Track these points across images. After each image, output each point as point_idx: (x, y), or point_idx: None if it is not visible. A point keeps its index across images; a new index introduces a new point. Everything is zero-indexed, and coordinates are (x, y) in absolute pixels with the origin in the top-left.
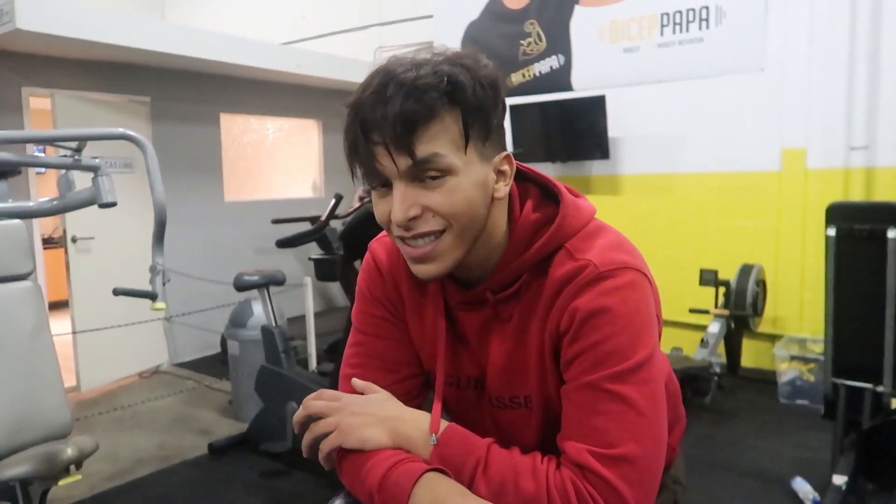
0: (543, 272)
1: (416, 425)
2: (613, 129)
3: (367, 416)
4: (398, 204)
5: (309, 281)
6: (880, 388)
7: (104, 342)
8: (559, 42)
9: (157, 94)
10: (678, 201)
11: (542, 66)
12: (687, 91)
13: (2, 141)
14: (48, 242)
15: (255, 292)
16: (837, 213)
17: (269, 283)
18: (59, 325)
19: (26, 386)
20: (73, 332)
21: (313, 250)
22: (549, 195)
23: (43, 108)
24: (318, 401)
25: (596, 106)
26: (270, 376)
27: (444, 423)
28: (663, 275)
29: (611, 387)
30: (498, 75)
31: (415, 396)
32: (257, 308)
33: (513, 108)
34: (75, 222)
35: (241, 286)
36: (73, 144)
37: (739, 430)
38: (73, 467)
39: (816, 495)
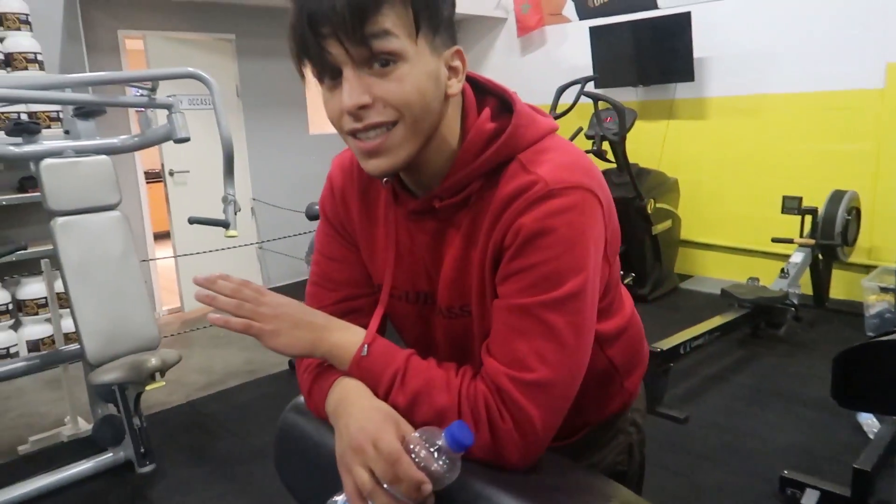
0: (495, 183)
1: (344, 336)
2: (699, 49)
3: (294, 319)
4: (348, 92)
5: None
6: None
7: (203, 268)
8: None
9: (242, 32)
10: (766, 124)
11: None
12: (779, 3)
13: (81, 83)
14: (151, 177)
15: None
16: None
17: None
18: (164, 252)
19: (117, 304)
20: (175, 257)
21: None
22: (507, 107)
23: (138, 49)
24: (240, 291)
25: (681, 24)
26: None
27: (357, 334)
28: (745, 202)
29: (540, 313)
30: None
31: (357, 317)
32: None
33: (592, 29)
34: (172, 157)
35: (311, 215)
36: (148, 84)
37: (812, 362)
38: (157, 375)
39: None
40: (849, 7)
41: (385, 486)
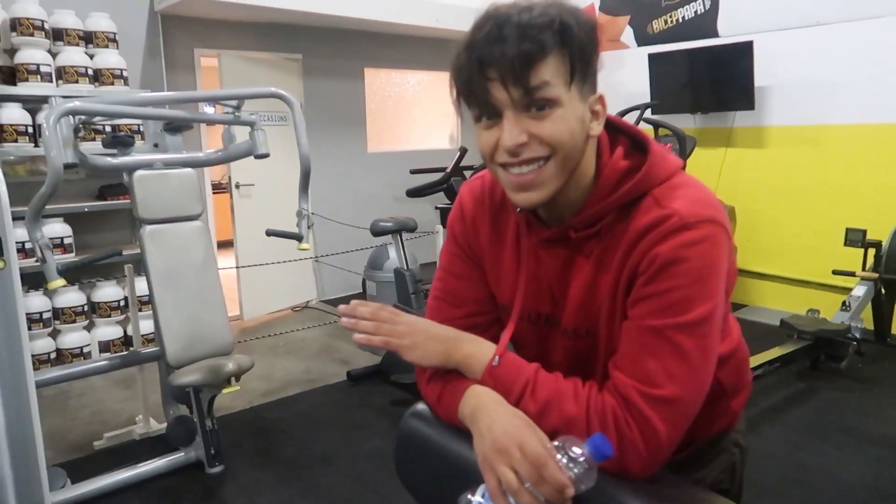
0: (627, 216)
1: (475, 347)
2: (760, 78)
3: (428, 333)
4: (508, 131)
5: (440, 229)
6: None
7: (263, 278)
8: None
9: (308, 52)
10: (828, 155)
11: (686, 12)
12: (845, 34)
13: (176, 101)
14: (217, 188)
15: (390, 237)
16: None
17: (401, 229)
18: (225, 261)
19: (197, 310)
20: (237, 268)
21: (440, 200)
22: (637, 146)
23: (211, 66)
24: (379, 312)
25: (742, 52)
26: None
27: (489, 347)
28: (804, 232)
29: (671, 335)
30: (595, 21)
31: (477, 332)
32: (392, 252)
33: (652, 56)
34: (239, 170)
35: (376, 231)
36: (234, 102)
37: (874, 399)
38: (233, 379)
39: None
40: None
41: (528, 486)
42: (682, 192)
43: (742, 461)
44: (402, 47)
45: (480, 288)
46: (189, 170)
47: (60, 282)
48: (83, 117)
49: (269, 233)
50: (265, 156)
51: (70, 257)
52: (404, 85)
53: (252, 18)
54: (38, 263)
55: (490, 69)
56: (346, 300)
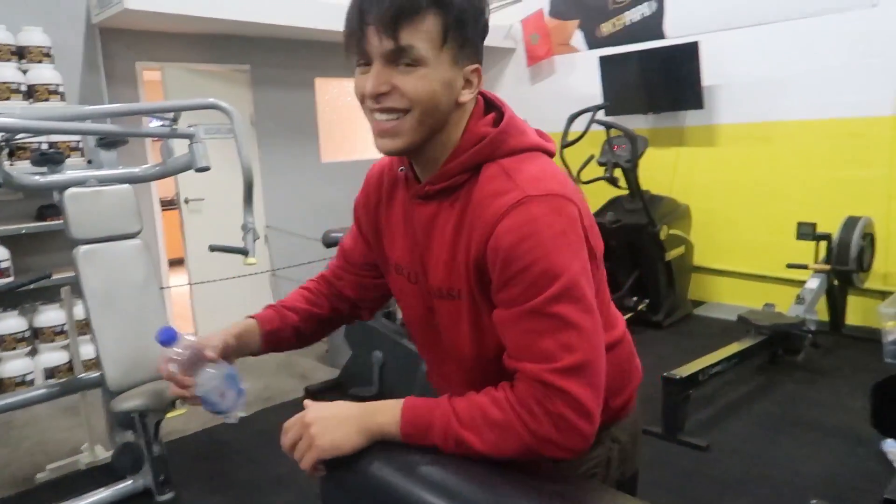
0: (476, 178)
1: (386, 412)
2: (709, 77)
3: (333, 420)
4: (373, 79)
5: None
6: None
7: (217, 294)
8: None
9: (257, 62)
10: (778, 151)
11: (633, 14)
12: (789, 32)
13: (108, 114)
14: (166, 204)
15: None
16: None
17: None
18: (178, 279)
19: (138, 331)
20: (190, 284)
21: None
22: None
23: (155, 80)
24: (286, 436)
25: (689, 53)
26: (358, 327)
27: (398, 400)
28: (758, 228)
29: (549, 309)
30: (484, 2)
31: (364, 289)
32: None
33: (602, 59)
34: (187, 185)
35: (328, 242)
36: (171, 115)
37: (832, 390)
38: (178, 402)
39: None
40: (860, 37)
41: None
42: (529, 165)
43: (622, 458)
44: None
45: (364, 255)
46: (125, 186)
47: None
48: (6, 135)
49: (213, 248)
50: (205, 169)
51: (5, 281)
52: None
53: (196, 30)
54: None
55: (368, 16)
56: None
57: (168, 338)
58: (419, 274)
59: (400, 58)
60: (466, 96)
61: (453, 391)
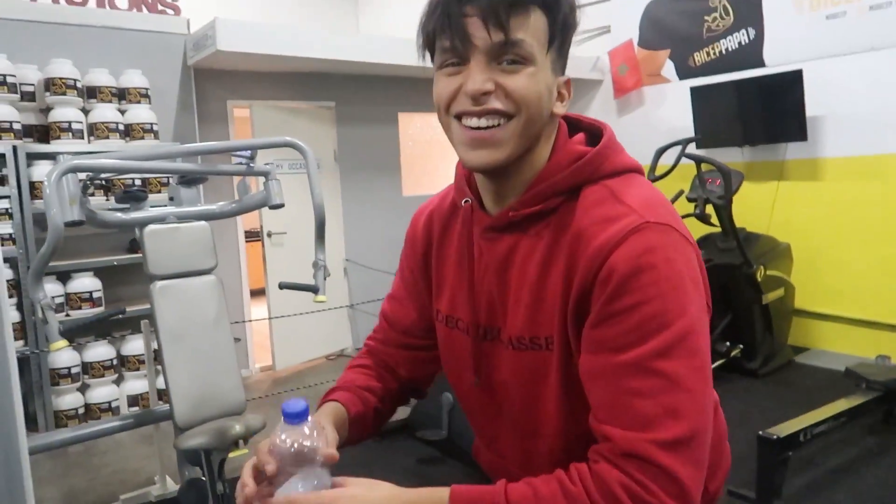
0: (577, 201)
1: (424, 501)
2: (812, 108)
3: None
4: (476, 74)
5: None
6: None
7: (296, 327)
8: (749, 14)
9: (341, 99)
10: (892, 187)
11: (730, 43)
12: None
13: (185, 153)
14: (250, 236)
15: None
16: None
17: None
18: (258, 310)
19: (208, 368)
20: (269, 318)
21: None
22: (595, 137)
23: (245, 117)
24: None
25: (792, 81)
26: None
27: (443, 490)
28: (870, 271)
29: (655, 364)
30: (575, 3)
31: (412, 351)
32: None
33: (694, 89)
34: (270, 219)
35: None
36: (248, 153)
37: None
38: (241, 441)
39: None
40: None
41: None
42: (638, 189)
43: None
44: None
45: (414, 319)
46: (202, 223)
47: (62, 343)
48: (91, 174)
49: (283, 286)
50: (279, 206)
51: (97, 311)
52: (439, 128)
53: (284, 69)
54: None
55: (468, 6)
56: None
57: (297, 413)
58: (479, 324)
59: (506, 53)
60: (560, 108)
61: (512, 474)
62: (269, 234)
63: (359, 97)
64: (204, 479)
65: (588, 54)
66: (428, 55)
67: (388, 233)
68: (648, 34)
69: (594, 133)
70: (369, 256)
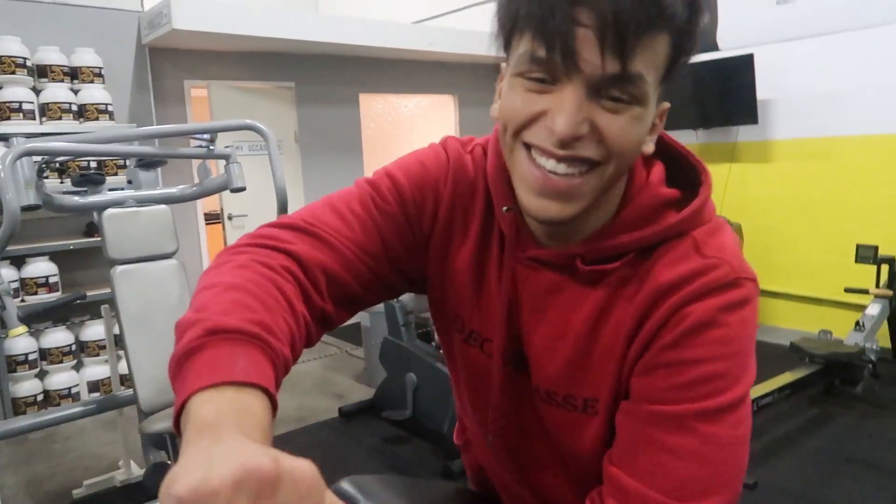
0: (654, 254)
1: None
2: (763, 91)
3: None
4: (571, 114)
5: None
6: None
7: None
8: None
9: (301, 80)
10: (837, 168)
11: None
12: (851, 43)
13: (143, 136)
14: (210, 218)
15: None
16: None
17: None
18: None
19: (171, 351)
20: None
21: None
22: (681, 172)
23: (203, 97)
24: None
25: (743, 65)
26: (392, 348)
27: None
28: (815, 249)
29: (700, 426)
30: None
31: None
32: None
33: None
34: (231, 202)
35: None
36: (207, 135)
37: (894, 425)
38: None
39: None
40: None
41: None
42: (724, 238)
43: None
44: (397, 72)
45: (379, 258)
46: (162, 206)
47: (21, 329)
48: (47, 157)
49: None
50: (241, 189)
51: (54, 296)
52: (402, 109)
53: (242, 48)
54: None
55: (584, 10)
56: (346, 329)
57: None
58: (508, 356)
59: (614, 87)
60: (651, 146)
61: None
62: (230, 217)
63: (319, 77)
64: (170, 462)
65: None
66: (501, 45)
67: None
68: None
69: (679, 162)
70: None
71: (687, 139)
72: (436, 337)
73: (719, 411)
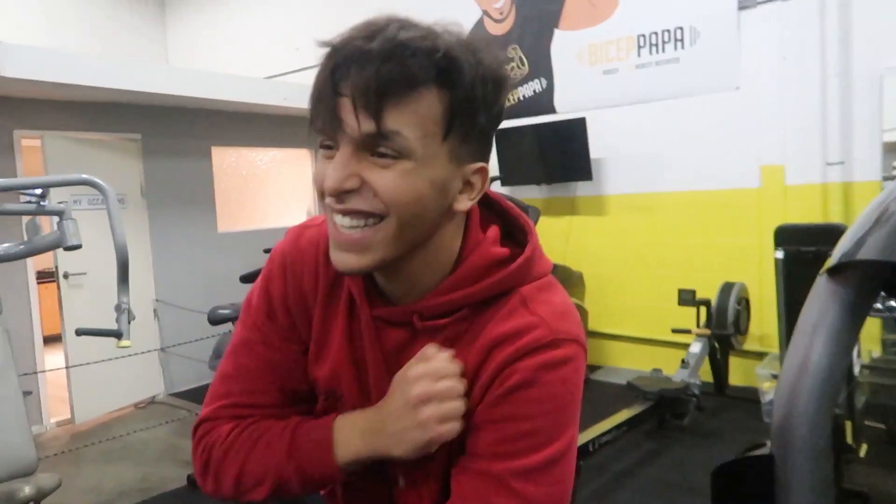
0: (487, 311)
1: None
2: (596, 151)
3: None
4: (337, 169)
5: None
6: (837, 411)
7: (99, 375)
8: (541, 66)
9: (148, 131)
10: (659, 220)
11: (526, 90)
12: (665, 111)
13: None
14: (43, 277)
15: (231, 325)
16: (784, 235)
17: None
18: (53, 359)
19: None
20: (67, 367)
21: None
22: (514, 231)
23: (35, 146)
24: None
25: (577, 128)
26: None
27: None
28: (646, 293)
29: (515, 485)
30: (505, 75)
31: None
32: None
33: (498, 132)
34: (68, 259)
35: (214, 319)
36: (38, 191)
37: (717, 452)
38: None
39: None
40: (726, 116)
41: None
42: (551, 297)
43: None
44: (251, 126)
45: (290, 373)
46: None
47: None
48: None
49: (80, 332)
50: (76, 247)
51: None
52: (256, 162)
53: (81, 98)
54: None
55: (343, 83)
56: (198, 391)
57: None
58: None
59: (377, 145)
60: (464, 203)
61: None
62: (66, 276)
63: (168, 130)
64: None
65: None
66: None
67: (203, 269)
68: None
69: (511, 222)
70: (182, 296)
71: (533, 194)
72: None
73: (536, 470)
